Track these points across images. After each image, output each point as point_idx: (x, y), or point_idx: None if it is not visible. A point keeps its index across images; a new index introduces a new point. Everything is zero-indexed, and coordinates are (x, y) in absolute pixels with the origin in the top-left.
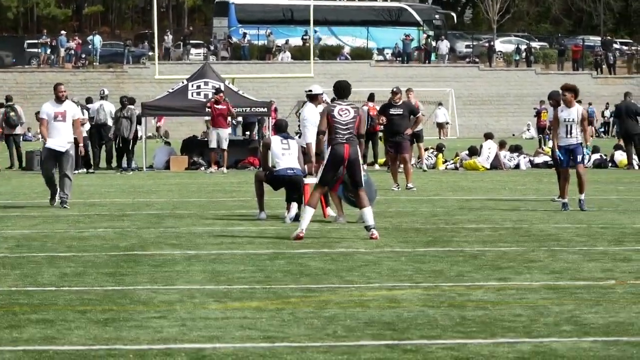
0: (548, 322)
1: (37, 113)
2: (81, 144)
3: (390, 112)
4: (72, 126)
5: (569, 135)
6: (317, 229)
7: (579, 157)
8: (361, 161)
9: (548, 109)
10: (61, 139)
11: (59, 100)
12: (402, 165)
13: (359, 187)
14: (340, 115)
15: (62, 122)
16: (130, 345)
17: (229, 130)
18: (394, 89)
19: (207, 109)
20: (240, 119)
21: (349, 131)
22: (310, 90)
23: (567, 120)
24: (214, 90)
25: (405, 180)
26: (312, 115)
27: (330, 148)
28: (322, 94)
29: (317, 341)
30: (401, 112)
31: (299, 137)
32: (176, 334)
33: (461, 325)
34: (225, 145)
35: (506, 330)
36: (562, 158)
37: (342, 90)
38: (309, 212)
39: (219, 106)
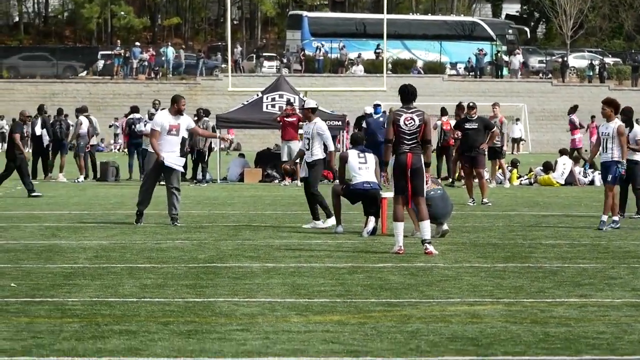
0: (632, 340)
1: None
2: (221, 135)
3: (466, 127)
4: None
5: (604, 151)
6: (394, 244)
7: (609, 177)
8: (424, 169)
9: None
10: (174, 154)
11: (178, 113)
12: (477, 180)
13: (418, 196)
14: (406, 125)
15: (175, 137)
16: (214, 358)
17: (300, 143)
18: (470, 104)
19: (277, 122)
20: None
21: (413, 141)
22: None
23: (603, 134)
24: (285, 102)
25: (480, 195)
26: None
27: (394, 157)
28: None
29: (401, 356)
30: (476, 127)
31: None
32: (260, 346)
33: (545, 341)
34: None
35: (590, 348)
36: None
37: (407, 94)
38: (399, 227)
39: (290, 119)
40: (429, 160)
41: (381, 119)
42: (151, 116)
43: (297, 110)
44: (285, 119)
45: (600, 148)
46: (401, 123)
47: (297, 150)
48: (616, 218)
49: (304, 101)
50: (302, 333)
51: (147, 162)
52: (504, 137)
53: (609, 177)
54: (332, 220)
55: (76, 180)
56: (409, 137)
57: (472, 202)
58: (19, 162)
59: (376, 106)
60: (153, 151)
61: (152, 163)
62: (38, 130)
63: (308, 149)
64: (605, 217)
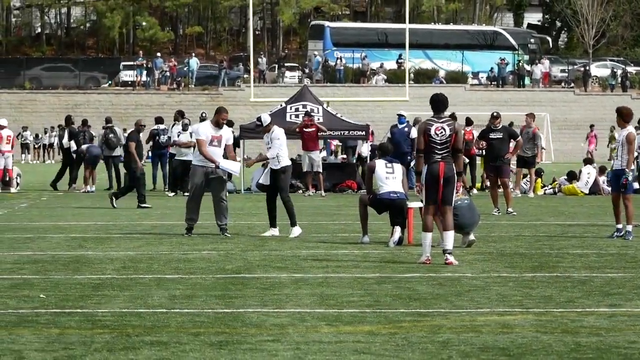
0: None
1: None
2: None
3: (490, 137)
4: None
5: (616, 158)
6: (421, 254)
7: (621, 183)
8: (456, 177)
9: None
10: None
11: (218, 125)
12: (501, 190)
13: (446, 205)
14: (437, 135)
15: (217, 148)
16: None
17: (323, 153)
18: (494, 114)
19: (297, 133)
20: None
21: (445, 150)
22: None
23: (617, 142)
24: (304, 113)
25: (505, 205)
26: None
27: (426, 167)
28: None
29: None
30: (501, 136)
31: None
32: (291, 357)
33: (576, 351)
34: (318, 168)
35: (623, 357)
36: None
37: (438, 103)
38: (428, 237)
39: (308, 129)
40: (460, 169)
41: (406, 129)
42: (185, 127)
43: (316, 121)
44: (304, 129)
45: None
46: (432, 133)
47: (318, 160)
48: (619, 226)
49: (261, 118)
50: (333, 344)
51: (192, 175)
52: (538, 148)
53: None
54: (275, 231)
55: (88, 190)
56: (440, 147)
57: (497, 212)
58: (134, 171)
59: (400, 116)
60: (196, 163)
61: (197, 176)
62: (66, 142)
63: (274, 157)
64: (630, 227)
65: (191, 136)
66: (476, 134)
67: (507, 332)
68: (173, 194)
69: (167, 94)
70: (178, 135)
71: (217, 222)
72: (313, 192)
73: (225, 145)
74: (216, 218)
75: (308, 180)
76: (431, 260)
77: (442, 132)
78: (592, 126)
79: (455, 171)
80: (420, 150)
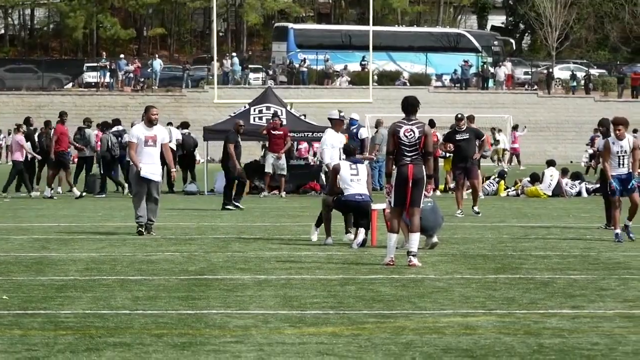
0: (627, 351)
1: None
2: (173, 170)
3: (457, 138)
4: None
5: (621, 166)
6: (385, 255)
7: (631, 185)
8: (426, 180)
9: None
10: (154, 166)
11: (150, 123)
12: (468, 191)
13: (415, 206)
14: (406, 137)
15: (152, 147)
16: None
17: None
18: (458, 115)
19: (263, 135)
20: (289, 144)
21: (414, 152)
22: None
23: (619, 152)
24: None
25: (470, 206)
26: (331, 138)
27: (396, 169)
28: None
29: None
30: (467, 137)
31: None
32: (255, 359)
33: (539, 353)
34: (282, 171)
35: (585, 359)
36: (618, 187)
37: (408, 106)
38: (393, 239)
39: (276, 132)
40: (430, 171)
41: (354, 130)
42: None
43: (284, 123)
44: (271, 131)
45: (615, 163)
46: (401, 135)
47: (282, 163)
48: (618, 231)
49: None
50: (296, 345)
51: (131, 175)
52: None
53: (631, 186)
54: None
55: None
56: (409, 149)
57: (461, 214)
58: (232, 172)
59: (351, 119)
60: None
61: (136, 175)
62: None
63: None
64: (631, 223)
65: None
66: (440, 136)
67: (470, 333)
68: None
69: (130, 96)
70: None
71: (146, 218)
72: (268, 192)
73: (162, 144)
74: (146, 214)
75: (266, 181)
76: (395, 262)
77: (411, 135)
78: (515, 127)
79: (425, 174)
80: (390, 152)
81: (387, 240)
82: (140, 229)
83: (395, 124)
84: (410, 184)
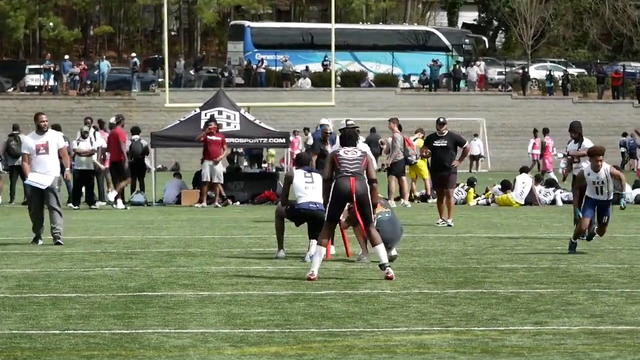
0: None
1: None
2: (67, 169)
3: (435, 144)
4: (58, 157)
5: (599, 194)
6: (340, 269)
7: (605, 219)
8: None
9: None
10: (45, 175)
11: (41, 130)
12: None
13: (368, 223)
14: (347, 154)
15: (45, 155)
16: None
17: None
18: (440, 120)
19: (200, 141)
20: (228, 150)
21: (355, 166)
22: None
23: (596, 182)
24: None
25: (437, 217)
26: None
27: (334, 182)
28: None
29: None
30: (445, 145)
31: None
32: None
33: None
34: (219, 179)
35: None
36: (584, 213)
37: (347, 139)
38: (320, 252)
39: (213, 137)
40: (375, 201)
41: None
42: (84, 134)
43: (233, 127)
44: (208, 137)
45: (593, 191)
46: (341, 153)
47: (219, 170)
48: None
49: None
50: None
51: (27, 190)
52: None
53: (604, 219)
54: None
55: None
56: (350, 163)
57: (443, 223)
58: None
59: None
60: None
61: (31, 189)
62: None
63: None
64: None
65: (92, 144)
66: (413, 141)
67: (423, 352)
68: (76, 207)
69: (76, 100)
70: (78, 144)
71: (51, 230)
72: (205, 204)
73: (59, 149)
74: (51, 225)
75: (203, 190)
76: (315, 277)
77: (352, 152)
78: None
79: (369, 193)
80: (326, 180)
81: (313, 252)
82: (38, 238)
83: (334, 151)
84: (356, 202)
